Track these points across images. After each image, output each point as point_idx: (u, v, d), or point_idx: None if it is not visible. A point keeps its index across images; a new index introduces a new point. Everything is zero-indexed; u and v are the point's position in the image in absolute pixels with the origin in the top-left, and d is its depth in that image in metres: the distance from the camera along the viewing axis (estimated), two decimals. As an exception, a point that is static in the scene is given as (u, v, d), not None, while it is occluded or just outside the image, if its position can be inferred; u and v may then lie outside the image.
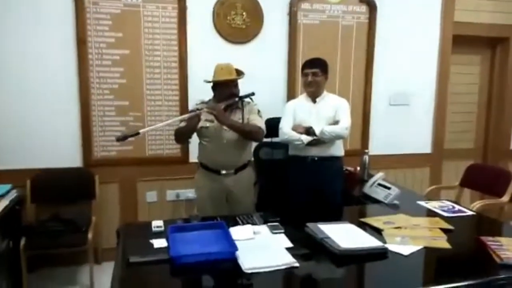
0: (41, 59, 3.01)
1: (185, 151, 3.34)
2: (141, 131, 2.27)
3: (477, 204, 2.96)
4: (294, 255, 1.72)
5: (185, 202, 3.41)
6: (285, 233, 1.99)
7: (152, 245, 1.82)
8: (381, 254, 1.78)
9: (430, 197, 3.26)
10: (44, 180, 3.07)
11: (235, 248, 1.71)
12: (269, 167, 3.32)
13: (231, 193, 2.67)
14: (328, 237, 1.85)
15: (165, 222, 2.08)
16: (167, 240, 1.83)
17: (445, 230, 2.05)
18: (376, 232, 2.03)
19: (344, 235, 1.89)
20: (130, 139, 2.39)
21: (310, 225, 2.00)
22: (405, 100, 3.86)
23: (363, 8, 3.62)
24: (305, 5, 3.49)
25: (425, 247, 1.85)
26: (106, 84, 3.16)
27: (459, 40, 3.88)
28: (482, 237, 1.92)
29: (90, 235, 2.85)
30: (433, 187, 3.59)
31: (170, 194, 3.40)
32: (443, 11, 3.82)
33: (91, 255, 2.88)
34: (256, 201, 3.16)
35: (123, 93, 3.19)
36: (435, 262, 1.83)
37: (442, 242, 1.91)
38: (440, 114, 3.97)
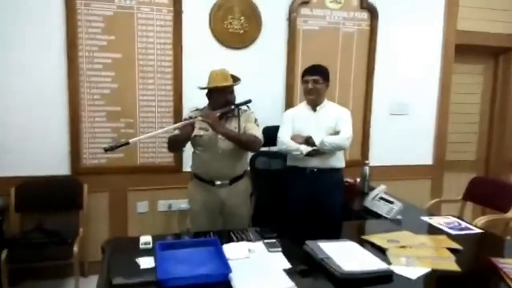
0: (29, 62, 2.88)
1: (179, 160, 3.21)
2: (131, 140, 2.14)
3: (482, 220, 2.83)
4: (292, 278, 1.58)
5: (178, 213, 3.27)
6: (282, 251, 1.86)
7: (138, 265, 1.67)
8: (386, 277, 1.65)
9: (431, 210, 3.16)
10: (29, 188, 2.92)
11: (228, 269, 1.57)
12: (266, 177, 3.19)
13: (226, 205, 2.53)
14: (329, 258, 1.71)
15: (154, 238, 1.94)
16: (155, 259, 1.69)
17: (452, 250, 1.93)
18: (380, 251, 1.91)
19: (346, 255, 1.76)
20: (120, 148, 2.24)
21: (310, 243, 1.87)
22: (406, 110, 3.75)
23: (365, 15, 3.52)
24: (305, 11, 3.38)
25: (432, 270, 1.72)
26: (97, 88, 3.02)
27: (462, 49, 3.78)
28: (493, 259, 1.80)
29: (76, 248, 2.70)
30: (435, 200, 3.47)
31: (162, 205, 3.26)
32: (446, 19, 3.73)
33: (77, 269, 2.73)
34: (252, 213, 3.04)
35: (115, 99, 3.06)
36: (444, 287, 1.70)
37: (451, 264, 1.78)
38: (442, 124, 3.86)
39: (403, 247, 1.94)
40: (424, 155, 3.88)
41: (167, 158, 3.21)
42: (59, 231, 2.78)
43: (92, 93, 3.02)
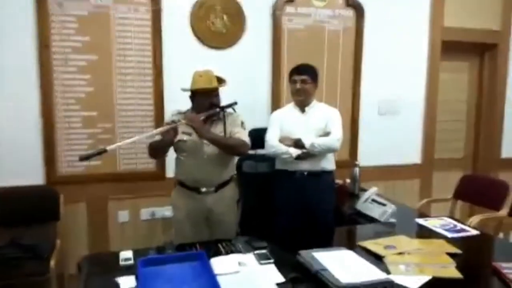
0: (-3, 64, 2.70)
1: (161, 166, 3.05)
2: (108, 148, 1.98)
3: (475, 219, 2.76)
4: (286, 294, 1.47)
5: (162, 221, 3.12)
6: (274, 263, 1.74)
7: (118, 285, 1.53)
8: (386, 288, 1.55)
9: (422, 210, 3.09)
10: (1, 200, 2.72)
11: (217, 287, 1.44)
12: (253, 181, 3.07)
13: (212, 213, 2.40)
14: (325, 269, 1.60)
15: (136, 253, 1.81)
16: (136, 279, 1.55)
17: (451, 254, 1.85)
18: (376, 258, 1.81)
19: (343, 266, 1.65)
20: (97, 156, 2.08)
21: (303, 253, 1.76)
22: (394, 109, 3.68)
23: (350, 12, 3.43)
24: (289, 9, 3.27)
25: (433, 277, 1.63)
26: (71, 92, 2.85)
27: (447, 46, 3.74)
28: (496, 264, 1.72)
29: (52, 263, 2.51)
30: (426, 200, 3.40)
31: (145, 213, 3.10)
32: (432, 15, 3.67)
33: (55, 284, 2.55)
34: (239, 220, 2.92)
35: (91, 103, 2.89)
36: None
37: (452, 271, 1.69)
38: (430, 122, 3.81)
39: (400, 253, 1.85)
40: (412, 154, 3.82)
41: (149, 164, 3.05)
42: (34, 245, 2.59)
43: (66, 97, 2.84)
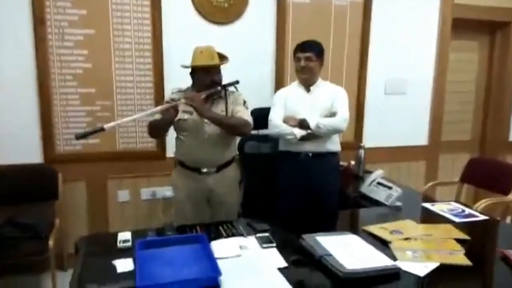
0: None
1: (162, 145, 2.98)
2: (106, 126, 1.90)
3: (482, 204, 2.70)
4: (288, 279, 1.41)
5: (162, 201, 3.06)
6: (277, 247, 1.69)
7: (115, 268, 1.48)
8: (392, 275, 1.50)
9: (428, 194, 3.03)
10: (-2, 178, 2.68)
11: (217, 272, 1.39)
12: (256, 162, 3.01)
13: (213, 194, 2.34)
14: (329, 255, 1.55)
15: (134, 234, 1.75)
16: (134, 261, 1.49)
17: (459, 240, 1.79)
18: (382, 243, 1.75)
19: (348, 251, 1.59)
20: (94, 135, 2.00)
21: (307, 237, 1.70)
22: (402, 89, 3.57)
23: (358, -14, 3.29)
24: (294, -18, 3.14)
25: (441, 264, 1.57)
26: (68, 68, 2.75)
27: (457, 25, 3.60)
28: (505, 251, 1.66)
29: (51, 242, 2.48)
30: (432, 183, 3.33)
31: (145, 193, 3.05)
32: (443, -9, 3.52)
33: (53, 264, 2.52)
34: (241, 201, 2.87)
35: (89, 79, 2.80)
36: (457, 285, 1.55)
37: (461, 258, 1.63)
38: (438, 103, 3.70)
39: (407, 239, 1.79)
40: (419, 136, 3.73)
41: (149, 143, 2.98)
42: (32, 224, 2.55)
43: (64, 74, 2.75)
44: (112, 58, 2.82)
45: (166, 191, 2.99)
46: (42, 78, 2.70)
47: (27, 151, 2.76)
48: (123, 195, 3.01)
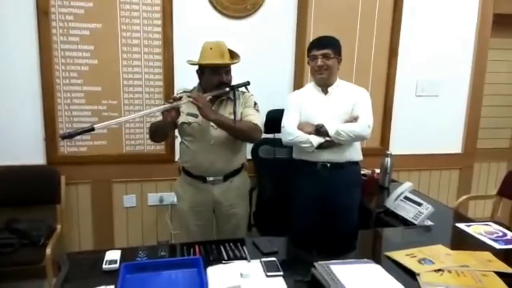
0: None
1: (171, 148, 2.79)
2: (96, 126, 1.73)
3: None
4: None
5: (170, 207, 2.88)
6: (284, 275, 1.45)
7: (95, 296, 1.29)
8: (420, 321, 1.24)
9: (461, 208, 2.72)
10: (-1, 179, 2.56)
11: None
12: (271, 167, 2.79)
13: (220, 205, 2.13)
14: (344, 290, 1.30)
15: (124, 253, 1.56)
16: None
17: (501, 274, 1.50)
18: (409, 274, 1.49)
19: (366, 286, 1.34)
20: (85, 136, 1.83)
21: (319, 265, 1.45)
22: (434, 90, 3.25)
23: (388, -22, 2.99)
24: (318, -28, 2.87)
25: (480, 307, 1.30)
26: (73, 65, 2.60)
27: (498, 21, 3.25)
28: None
29: (49, 250, 2.34)
30: (466, 196, 2.99)
31: (152, 198, 2.88)
32: (483, -17, 3.18)
33: (50, 272, 2.37)
34: (255, 209, 2.66)
35: (95, 77, 2.64)
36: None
37: (504, 299, 1.35)
38: (474, 107, 3.35)
39: (439, 270, 1.52)
40: (452, 143, 3.40)
41: (157, 146, 2.80)
42: (29, 231, 2.42)
43: (68, 71, 2.59)
44: (119, 54, 2.65)
45: (175, 197, 2.79)
46: (46, 75, 2.56)
47: (29, 151, 2.63)
48: (129, 200, 2.85)
